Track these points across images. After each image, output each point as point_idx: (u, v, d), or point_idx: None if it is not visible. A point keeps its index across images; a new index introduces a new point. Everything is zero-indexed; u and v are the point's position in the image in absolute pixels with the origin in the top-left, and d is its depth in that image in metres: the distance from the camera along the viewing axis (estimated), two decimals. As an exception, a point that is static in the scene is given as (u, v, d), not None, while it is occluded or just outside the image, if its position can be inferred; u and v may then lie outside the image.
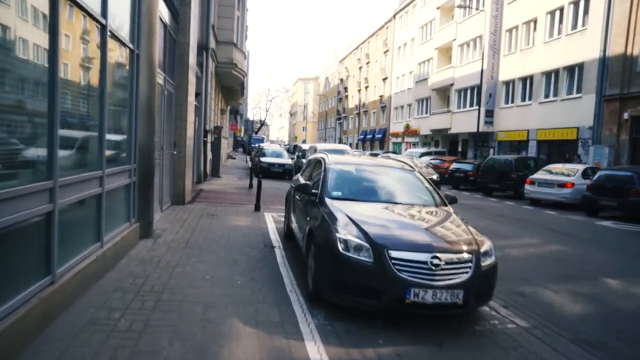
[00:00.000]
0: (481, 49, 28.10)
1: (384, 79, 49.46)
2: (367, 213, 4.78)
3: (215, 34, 17.84)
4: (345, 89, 66.57)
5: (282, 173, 20.31)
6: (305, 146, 25.34)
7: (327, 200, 5.14)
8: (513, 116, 25.79)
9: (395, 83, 45.80)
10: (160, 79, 7.89)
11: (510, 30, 26.27)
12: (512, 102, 26.04)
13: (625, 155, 18.59)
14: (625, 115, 18.49)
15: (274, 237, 7.50)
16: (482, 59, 24.84)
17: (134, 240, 6.16)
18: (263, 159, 20.86)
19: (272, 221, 8.93)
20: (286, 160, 21.34)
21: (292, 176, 20.89)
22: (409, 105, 41.71)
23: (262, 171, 19.91)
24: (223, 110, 24.72)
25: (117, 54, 5.41)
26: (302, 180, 6.97)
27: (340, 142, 67.23)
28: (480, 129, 27.70)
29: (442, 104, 34.76)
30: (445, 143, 35.02)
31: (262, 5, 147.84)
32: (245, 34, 21.03)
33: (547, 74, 23.21)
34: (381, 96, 50.11)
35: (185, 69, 9.61)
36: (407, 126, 39.91)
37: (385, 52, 49.09)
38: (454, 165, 20.60)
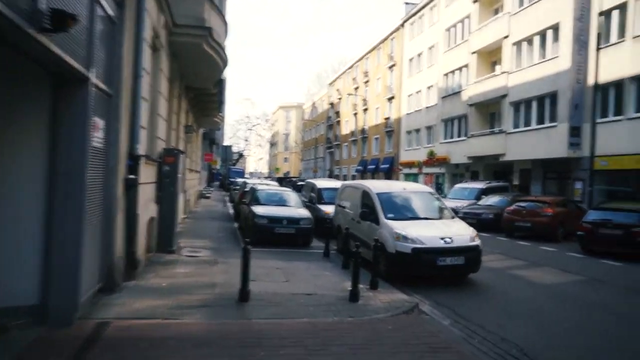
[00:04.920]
0: (556, 43, 20.10)
1: (390, 99, 41.23)
2: None
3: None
4: (337, 113, 58.15)
5: (295, 236, 10.85)
6: (329, 183, 15.59)
7: None
8: (621, 134, 17.47)
9: (407, 102, 37.55)
10: None
11: (607, 13, 18.27)
12: (619, 113, 17.75)
13: None
14: None
15: None
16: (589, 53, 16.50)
17: None
18: (258, 211, 11.12)
19: None
20: (301, 211, 11.65)
21: (310, 242, 11.74)
22: (429, 127, 33.34)
23: (259, 233, 10.57)
24: (190, 128, 15.47)
25: None
26: None
27: (331, 174, 58.22)
28: (562, 154, 19.45)
29: (483, 124, 26.43)
30: (488, 174, 26.54)
31: (239, 31, 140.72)
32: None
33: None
34: (386, 119, 41.71)
35: None
36: (432, 153, 31.28)
37: (391, 67, 41.07)
38: (597, 215, 11.71)
